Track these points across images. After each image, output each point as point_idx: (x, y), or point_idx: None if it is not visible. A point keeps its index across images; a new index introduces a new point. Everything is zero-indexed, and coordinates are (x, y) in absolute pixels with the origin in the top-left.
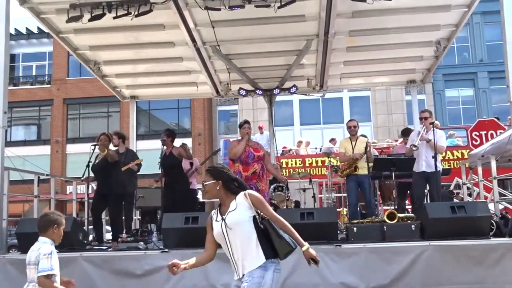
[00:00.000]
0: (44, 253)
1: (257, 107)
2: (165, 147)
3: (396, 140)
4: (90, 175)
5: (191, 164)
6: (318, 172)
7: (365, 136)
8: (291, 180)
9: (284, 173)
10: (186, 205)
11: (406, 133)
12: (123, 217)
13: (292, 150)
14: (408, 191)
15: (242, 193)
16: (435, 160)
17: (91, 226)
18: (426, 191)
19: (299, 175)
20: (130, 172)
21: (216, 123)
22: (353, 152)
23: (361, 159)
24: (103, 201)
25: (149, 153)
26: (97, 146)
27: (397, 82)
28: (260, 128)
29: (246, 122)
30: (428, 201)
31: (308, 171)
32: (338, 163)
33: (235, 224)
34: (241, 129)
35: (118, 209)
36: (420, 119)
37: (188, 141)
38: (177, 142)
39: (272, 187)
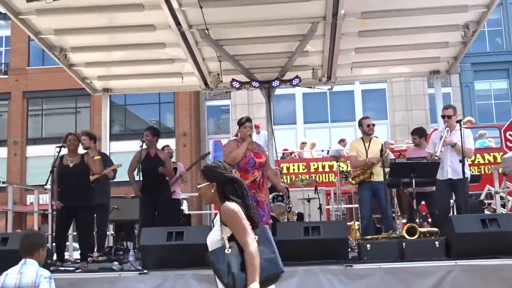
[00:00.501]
0: (45, 276)
1: (253, 102)
2: (143, 148)
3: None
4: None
5: (175, 169)
6: (325, 179)
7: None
8: (293, 188)
9: (285, 180)
10: (169, 218)
11: (419, 133)
12: (94, 233)
13: (295, 153)
14: (424, 201)
15: (223, 205)
16: (463, 165)
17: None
18: (451, 201)
19: (302, 182)
20: (103, 180)
21: (205, 121)
22: (367, 156)
23: (377, 164)
24: (70, 213)
25: (125, 156)
26: (63, 148)
27: (418, 72)
28: (257, 127)
29: (248, 120)
30: (455, 213)
31: (314, 178)
32: (349, 168)
33: (209, 245)
34: (241, 127)
35: (88, 223)
36: (443, 117)
37: (171, 142)
38: (159, 144)
39: (270, 196)
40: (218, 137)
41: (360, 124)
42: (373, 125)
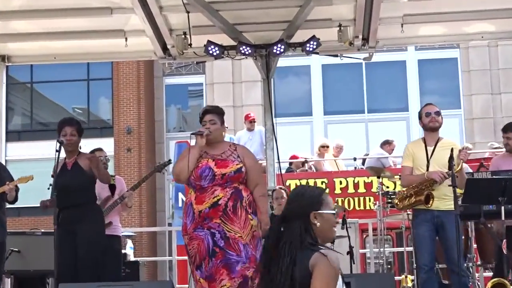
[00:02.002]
0: None
1: (242, 80)
2: (62, 152)
3: None
4: None
5: (111, 188)
6: (359, 206)
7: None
8: None
9: None
10: (99, 267)
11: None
12: None
13: (309, 163)
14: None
15: (325, 255)
16: None
17: None
18: None
19: None
20: None
21: (162, 110)
22: (427, 167)
23: (443, 182)
24: None
25: (31, 165)
26: None
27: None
28: (249, 119)
29: (208, 111)
30: None
31: (340, 203)
32: (397, 188)
33: None
34: (201, 124)
35: None
36: None
37: (108, 144)
38: (86, 147)
39: None
40: (184, 136)
41: (420, 116)
42: (438, 113)
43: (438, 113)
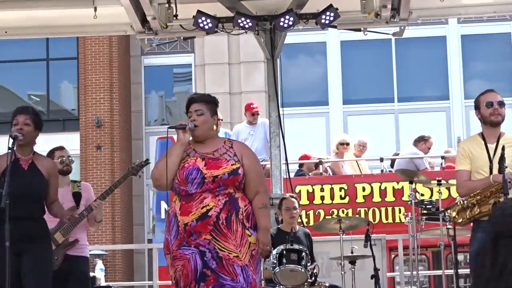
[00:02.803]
0: None
1: (241, 60)
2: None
3: None
4: None
5: (76, 197)
6: (387, 218)
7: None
8: (321, 236)
9: (303, 221)
10: None
11: None
12: None
13: (325, 164)
14: None
15: None
16: None
17: None
18: None
19: (340, 224)
20: None
21: (141, 98)
22: (491, 170)
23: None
24: None
25: None
26: None
27: None
28: (250, 110)
29: (194, 100)
30: None
31: (362, 215)
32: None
33: None
34: (187, 116)
35: None
36: None
37: (72, 140)
38: (45, 144)
39: (274, 251)
40: (164, 131)
41: (477, 105)
42: (501, 103)
43: (501, 104)
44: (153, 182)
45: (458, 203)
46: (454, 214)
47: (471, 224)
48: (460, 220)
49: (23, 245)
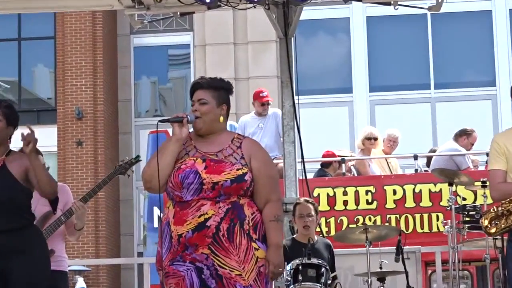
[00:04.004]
0: None
1: (249, 40)
2: None
3: None
4: None
5: (52, 200)
6: (422, 226)
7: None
8: (343, 249)
9: (323, 231)
10: None
11: None
12: None
13: (349, 163)
14: None
15: None
16: None
17: None
18: None
19: (367, 234)
20: None
21: (129, 85)
22: None
23: None
24: None
25: None
26: None
27: None
28: (260, 100)
29: (202, 85)
30: None
31: (393, 224)
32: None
33: None
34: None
35: None
36: None
37: (48, 134)
38: (15, 139)
39: (288, 266)
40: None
41: None
42: None
43: None
44: (143, 184)
45: (492, 210)
46: (486, 222)
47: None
48: (494, 230)
49: (6, 261)
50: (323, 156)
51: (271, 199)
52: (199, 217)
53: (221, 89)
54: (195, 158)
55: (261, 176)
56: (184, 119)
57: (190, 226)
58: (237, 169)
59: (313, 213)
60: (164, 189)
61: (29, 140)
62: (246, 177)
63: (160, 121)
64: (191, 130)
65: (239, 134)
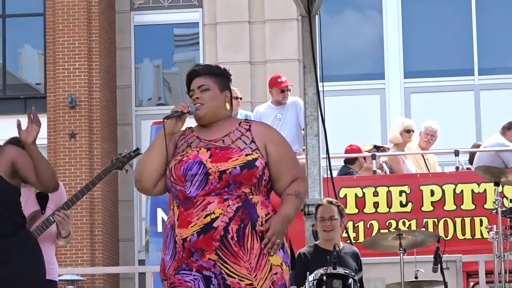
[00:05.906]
0: None
1: (266, 18)
2: None
3: None
4: None
5: (41, 198)
6: (463, 232)
7: None
8: (373, 257)
9: (351, 235)
10: None
11: None
12: None
13: (380, 158)
14: None
15: None
16: None
17: None
18: None
19: (400, 239)
20: None
21: (130, 69)
22: None
23: None
24: None
25: None
26: None
27: None
28: (279, 86)
29: (200, 72)
30: None
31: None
32: None
33: None
34: (189, 95)
35: None
36: None
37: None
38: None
39: (312, 277)
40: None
41: None
42: None
43: None
44: (136, 184)
45: None
46: None
47: None
48: None
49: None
50: (346, 151)
51: (300, 176)
52: (205, 217)
53: (220, 75)
54: (198, 149)
55: (282, 159)
56: (184, 112)
57: (195, 228)
58: (246, 155)
59: (336, 215)
60: (159, 190)
61: (35, 128)
62: (257, 163)
63: (165, 118)
64: (191, 125)
65: (246, 119)
